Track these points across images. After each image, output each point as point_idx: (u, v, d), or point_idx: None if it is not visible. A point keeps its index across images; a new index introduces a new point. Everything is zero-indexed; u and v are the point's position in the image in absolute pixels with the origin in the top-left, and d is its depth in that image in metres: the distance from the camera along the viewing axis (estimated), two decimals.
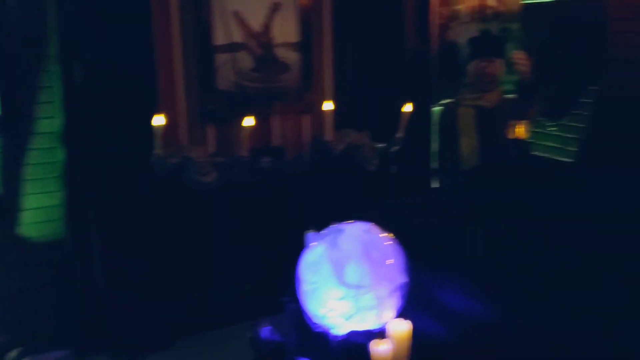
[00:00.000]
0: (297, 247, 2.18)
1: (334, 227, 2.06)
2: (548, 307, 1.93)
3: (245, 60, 3.63)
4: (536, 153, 4.16)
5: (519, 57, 3.65)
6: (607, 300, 1.91)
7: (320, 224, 2.18)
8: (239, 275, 3.62)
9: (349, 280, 1.88)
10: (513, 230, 2.52)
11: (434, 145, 4.17)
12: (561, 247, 2.28)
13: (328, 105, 3.77)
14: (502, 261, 2.24)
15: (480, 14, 4.21)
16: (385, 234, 2.06)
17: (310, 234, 2.12)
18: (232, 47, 3.58)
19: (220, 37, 3.54)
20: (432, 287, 2.16)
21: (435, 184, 4.14)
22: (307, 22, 3.78)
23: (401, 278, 1.99)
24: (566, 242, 2.32)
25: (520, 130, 3.94)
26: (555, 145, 4.10)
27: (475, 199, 3.02)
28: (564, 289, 2.02)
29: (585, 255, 2.18)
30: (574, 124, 3.93)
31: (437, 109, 4.18)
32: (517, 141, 3.92)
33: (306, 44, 3.79)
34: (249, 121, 3.49)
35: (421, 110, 4.03)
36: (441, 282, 2.17)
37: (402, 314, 2.01)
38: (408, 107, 3.76)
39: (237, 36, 3.59)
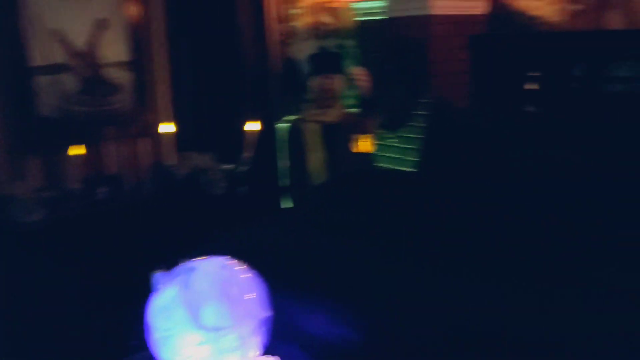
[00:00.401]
0: (144, 289, 1.95)
1: (184, 265, 1.86)
2: (411, 319, 1.93)
3: (71, 82, 3.30)
4: (380, 165, 4.27)
5: (358, 73, 3.72)
6: (469, 305, 1.95)
7: (168, 261, 1.97)
8: (76, 329, 3.23)
9: (207, 323, 1.70)
10: (367, 242, 2.51)
11: (282, 163, 4.11)
12: (411, 254, 2.31)
13: (167, 127, 3.55)
14: (362, 277, 2.20)
15: (317, 31, 4.25)
16: (242, 266, 1.90)
17: (157, 275, 1.89)
18: (54, 69, 3.23)
19: (38, 58, 3.17)
20: (298, 315, 2.05)
21: (286, 203, 4.07)
22: (138, 39, 3.53)
23: (264, 312, 1.85)
24: (414, 250, 2.36)
25: (365, 144, 4.02)
26: (395, 156, 4.22)
27: (328, 215, 2.99)
28: (422, 300, 2.03)
29: (434, 261, 2.23)
30: (411, 135, 4.09)
31: (283, 126, 4.13)
32: (362, 154, 3.99)
33: (138, 63, 3.55)
34: (78, 149, 3.15)
35: (266, 128, 3.96)
36: (306, 307, 2.08)
37: (268, 350, 1.87)
38: (252, 126, 3.65)
39: (59, 56, 3.25)
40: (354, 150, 3.92)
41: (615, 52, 3.44)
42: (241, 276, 1.85)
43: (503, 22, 4.00)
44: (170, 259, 1.97)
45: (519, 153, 3.16)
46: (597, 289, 2.00)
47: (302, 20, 4.20)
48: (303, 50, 4.08)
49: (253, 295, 1.83)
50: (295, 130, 3.96)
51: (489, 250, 2.34)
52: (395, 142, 4.25)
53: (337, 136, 3.86)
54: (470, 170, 3.33)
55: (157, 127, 3.57)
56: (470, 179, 3.23)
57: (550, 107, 3.72)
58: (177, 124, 3.62)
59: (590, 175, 2.86)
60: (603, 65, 3.47)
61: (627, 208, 2.59)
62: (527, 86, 3.81)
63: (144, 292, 1.92)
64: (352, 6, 4.35)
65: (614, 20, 3.48)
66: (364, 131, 3.98)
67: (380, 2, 4.15)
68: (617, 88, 3.42)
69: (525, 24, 3.88)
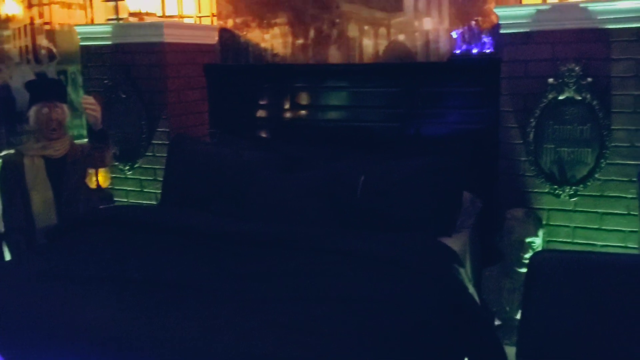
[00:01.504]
0: None
1: None
2: None
3: None
4: (118, 199, 4.00)
5: (88, 102, 3.39)
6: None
7: None
8: None
9: None
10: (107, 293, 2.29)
11: None
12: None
13: None
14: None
15: (34, 55, 3.80)
16: None
17: None
18: None
19: None
20: None
21: (5, 253, 3.49)
22: None
23: None
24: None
25: (100, 178, 3.70)
26: (135, 189, 4.01)
27: (57, 264, 2.63)
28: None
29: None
30: (150, 166, 3.93)
31: None
32: (97, 190, 3.66)
33: None
34: None
35: None
36: None
37: None
38: None
39: None
40: (89, 186, 3.58)
41: (332, 83, 3.78)
42: None
43: (235, 53, 4.09)
44: None
45: (255, 180, 3.23)
46: None
47: (14, 44, 3.73)
48: (19, 77, 3.60)
49: None
50: (11, 167, 3.44)
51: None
52: (133, 174, 4.04)
53: (67, 171, 3.46)
54: (210, 199, 3.31)
55: None
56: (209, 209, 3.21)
57: (278, 134, 3.92)
58: None
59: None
60: (322, 95, 3.79)
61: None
62: (259, 114, 3.96)
63: None
64: (75, 29, 4.01)
65: (332, 55, 3.81)
66: (97, 165, 3.67)
67: (108, 27, 3.90)
68: (337, 117, 3.77)
69: (257, 55, 4.02)
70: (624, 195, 2.81)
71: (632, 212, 2.78)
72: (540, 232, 2.85)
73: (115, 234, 2.96)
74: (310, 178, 3.16)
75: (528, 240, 2.80)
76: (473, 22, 3.41)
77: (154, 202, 3.86)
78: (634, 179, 2.73)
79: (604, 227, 2.87)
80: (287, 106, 3.93)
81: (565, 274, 2.31)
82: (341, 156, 3.41)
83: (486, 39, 3.38)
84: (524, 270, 2.75)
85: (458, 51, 3.45)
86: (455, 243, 2.88)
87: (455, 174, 3.04)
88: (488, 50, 3.37)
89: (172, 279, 2.40)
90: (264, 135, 4.02)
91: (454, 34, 3.45)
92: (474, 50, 3.40)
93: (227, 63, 4.11)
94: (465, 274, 2.69)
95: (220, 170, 3.36)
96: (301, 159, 3.42)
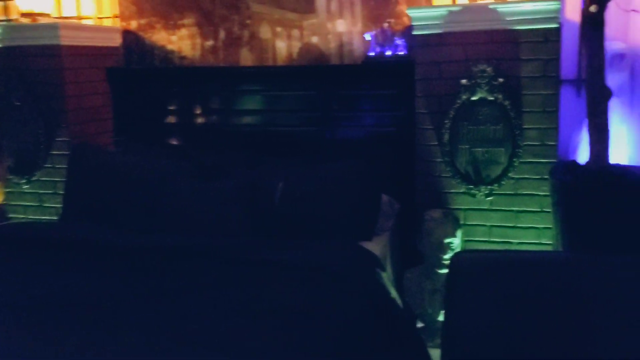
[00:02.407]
0: None
1: None
2: None
3: None
4: (15, 216, 3.67)
5: None
6: None
7: None
8: None
9: None
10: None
11: None
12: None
13: None
14: None
15: None
16: None
17: None
18: None
19: None
20: None
21: None
22: None
23: None
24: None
25: None
26: (33, 204, 3.70)
27: None
28: None
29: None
30: (50, 179, 3.64)
31: None
32: None
33: None
34: None
35: None
36: None
37: None
38: None
39: None
40: None
41: (246, 86, 3.66)
42: None
43: (140, 56, 3.87)
44: None
45: (166, 189, 3.04)
46: None
47: None
48: None
49: None
50: None
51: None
52: (30, 189, 3.73)
53: None
54: (117, 213, 3.08)
55: None
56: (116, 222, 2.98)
57: (189, 141, 3.75)
58: None
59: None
60: (235, 99, 3.67)
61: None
62: (168, 120, 3.77)
63: None
64: None
65: (244, 57, 3.69)
66: None
67: None
68: (251, 121, 3.65)
69: (164, 58, 3.83)
70: (537, 193, 2.87)
71: (545, 209, 2.85)
72: (459, 233, 2.86)
73: (11, 253, 2.69)
74: (225, 186, 3.02)
75: (447, 241, 2.80)
76: (386, 24, 3.40)
77: (55, 218, 3.58)
78: (546, 177, 2.80)
79: (519, 225, 2.92)
80: (198, 111, 3.76)
81: (485, 273, 2.31)
82: (257, 162, 3.30)
83: (399, 41, 3.38)
84: (444, 271, 2.75)
85: (372, 54, 3.43)
86: (376, 247, 2.84)
87: (373, 177, 3.00)
88: (401, 53, 3.37)
89: (77, 299, 2.19)
90: (174, 142, 3.83)
91: (367, 36, 3.43)
92: (388, 53, 3.39)
93: (132, 66, 3.89)
94: (387, 277, 2.65)
95: (128, 181, 3.14)
96: (215, 167, 3.28)
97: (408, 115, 3.19)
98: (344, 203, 2.88)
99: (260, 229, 2.82)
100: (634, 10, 2.88)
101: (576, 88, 2.99)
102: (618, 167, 2.67)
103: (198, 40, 3.77)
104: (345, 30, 3.52)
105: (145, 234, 2.75)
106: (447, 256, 2.78)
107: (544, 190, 2.83)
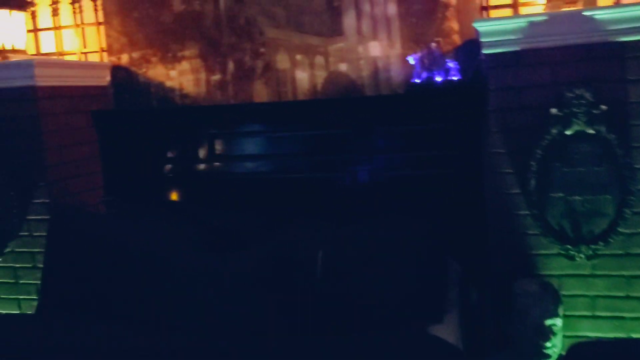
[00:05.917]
0: None
1: None
2: None
3: None
4: None
5: None
6: None
7: None
8: None
9: None
10: None
11: None
12: None
13: None
14: None
15: None
16: None
17: None
18: None
19: None
20: None
21: None
22: None
23: None
24: None
25: None
26: (7, 280, 3.13)
27: None
28: None
29: None
30: (26, 250, 3.01)
31: None
32: None
33: None
34: None
35: None
36: None
37: None
38: None
39: None
40: None
41: (261, 127, 3.06)
42: None
43: (133, 95, 3.29)
44: None
45: (169, 267, 2.40)
46: None
47: None
48: None
49: None
50: None
51: None
52: (3, 263, 3.11)
53: None
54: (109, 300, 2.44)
55: None
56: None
57: (194, 197, 3.17)
58: None
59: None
60: (248, 143, 3.08)
61: None
62: (168, 171, 3.18)
63: None
64: None
65: (258, 92, 3.10)
66: None
67: None
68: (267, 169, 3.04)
69: (162, 97, 3.24)
70: None
71: None
72: (561, 311, 2.18)
73: None
74: (244, 260, 2.33)
75: (548, 323, 2.12)
76: (433, 44, 2.79)
77: (34, 297, 2.96)
78: None
79: (632, 295, 2.26)
80: (204, 159, 3.19)
81: None
82: (280, 223, 2.65)
83: (451, 64, 2.77)
84: None
85: (417, 80, 2.81)
86: (448, 330, 2.17)
87: (438, 238, 2.34)
88: (454, 77, 2.75)
89: None
90: (175, 198, 3.25)
91: (411, 60, 2.81)
92: (438, 78, 2.77)
93: (123, 108, 3.31)
94: None
95: (121, 255, 2.49)
96: (228, 231, 2.63)
97: (472, 156, 2.57)
98: (407, 275, 2.21)
99: (298, 320, 2.12)
100: None
101: None
102: None
103: (203, 75, 3.21)
104: (380, 54, 2.93)
105: (144, 335, 2.07)
106: (549, 343, 2.10)
107: None
